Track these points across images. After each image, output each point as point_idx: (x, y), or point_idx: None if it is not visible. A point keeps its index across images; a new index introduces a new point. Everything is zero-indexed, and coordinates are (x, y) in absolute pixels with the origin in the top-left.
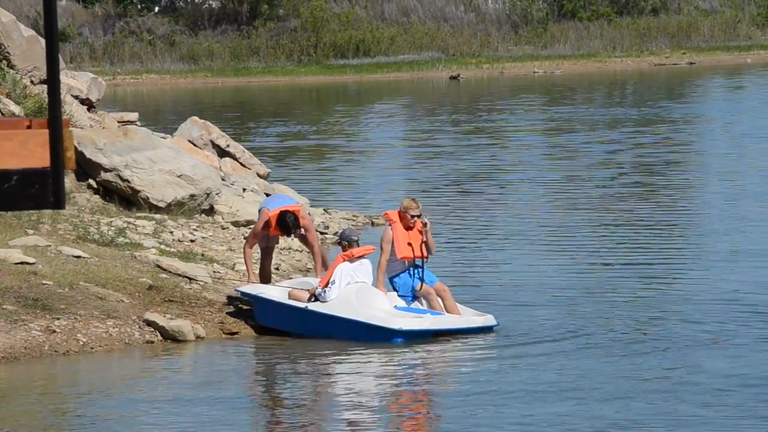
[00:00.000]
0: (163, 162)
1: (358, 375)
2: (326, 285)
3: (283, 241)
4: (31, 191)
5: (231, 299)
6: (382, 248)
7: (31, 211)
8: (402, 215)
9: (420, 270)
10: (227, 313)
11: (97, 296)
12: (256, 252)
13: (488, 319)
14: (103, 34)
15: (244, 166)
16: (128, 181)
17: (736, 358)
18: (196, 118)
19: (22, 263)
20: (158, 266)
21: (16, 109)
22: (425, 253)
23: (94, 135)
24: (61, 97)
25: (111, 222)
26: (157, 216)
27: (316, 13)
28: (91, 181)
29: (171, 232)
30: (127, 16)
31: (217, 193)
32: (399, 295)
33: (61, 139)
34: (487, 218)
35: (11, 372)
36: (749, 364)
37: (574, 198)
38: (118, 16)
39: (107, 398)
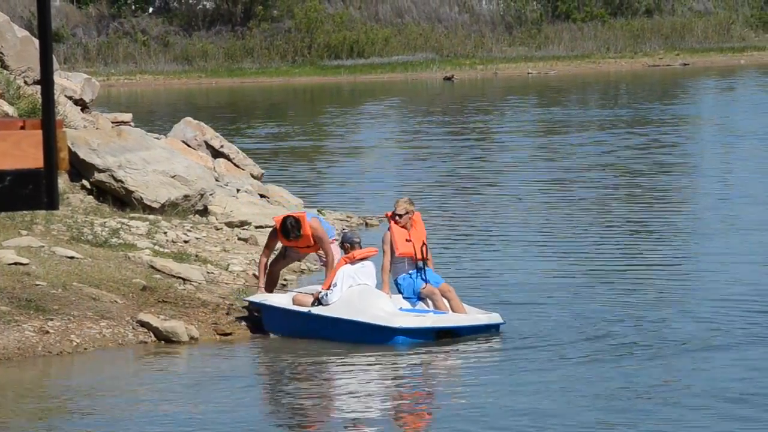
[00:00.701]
0: (157, 163)
1: (355, 377)
2: (329, 288)
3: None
4: (24, 192)
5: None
6: (383, 250)
7: (24, 211)
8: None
9: (423, 271)
10: (221, 314)
11: (91, 297)
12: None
13: (493, 317)
14: (97, 34)
15: (238, 166)
16: (122, 182)
17: (739, 361)
18: (189, 118)
19: (15, 264)
20: (152, 267)
21: (9, 109)
22: (426, 254)
23: (88, 136)
24: (55, 97)
25: (105, 223)
26: (151, 217)
27: (310, 14)
28: (84, 181)
29: (165, 233)
30: (121, 16)
31: (211, 194)
32: (404, 297)
33: (55, 140)
34: (479, 218)
35: (4, 372)
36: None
37: (568, 199)
38: (112, 16)
39: (98, 398)
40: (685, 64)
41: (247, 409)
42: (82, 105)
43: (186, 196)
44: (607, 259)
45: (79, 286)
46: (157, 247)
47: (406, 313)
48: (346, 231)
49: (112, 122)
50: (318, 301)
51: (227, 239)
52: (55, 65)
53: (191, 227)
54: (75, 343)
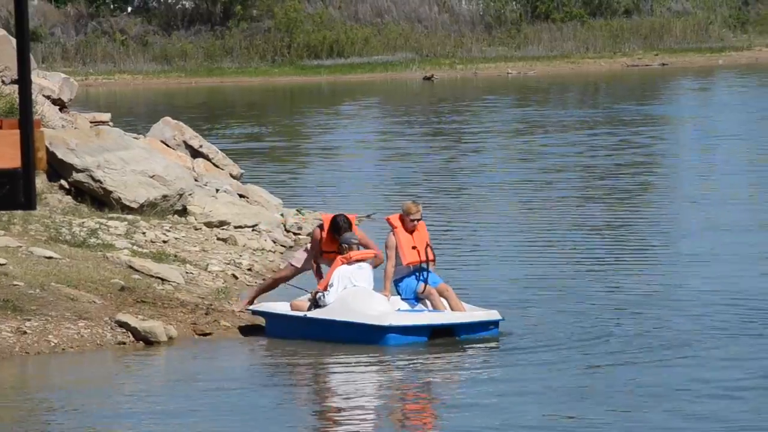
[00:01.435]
0: (136, 162)
1: (338, 378)
2: (325, 288)
3: (256, 242)
4: (1, 192)
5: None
6: (386, 255)
7: (1, 211)
8: (403, 219)
9: (425, 273)
10: (200, 314)
11: (69, 297)
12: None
13: (491, 314)
14: (76, 34)
15: (217, 166)
16: (100, 182)
17: (732, 360)
18: (168, 118)
19: None
20: (130, 267)
21: None
22: (431, 256)
23: (66, 135)
24: (33, 97)
25: (83, 223)
26: (130, 217)
27: (290, 13)
28: (62, 181)
29: (143, 233)
30: (100, 16)
31: (190, 194)
32: (402, 299)
33: (33, 140)
34: (457, 219)
35: None
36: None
37: (547, 199)
38: (90, 16)
39: (75, 399)
40: (663, 64)
41: (226, 410)
42: (61, 105)
43: (165, 196)
44: (590, 259)
45: (57, 286)
46: (135, 248)
47: (399, 312)
48: (345, 232)
49: (91, 122)
50: (315, 301)
51: (206, 239)
52: (33, 65)
53: (170, 227)
54: (53, 344)
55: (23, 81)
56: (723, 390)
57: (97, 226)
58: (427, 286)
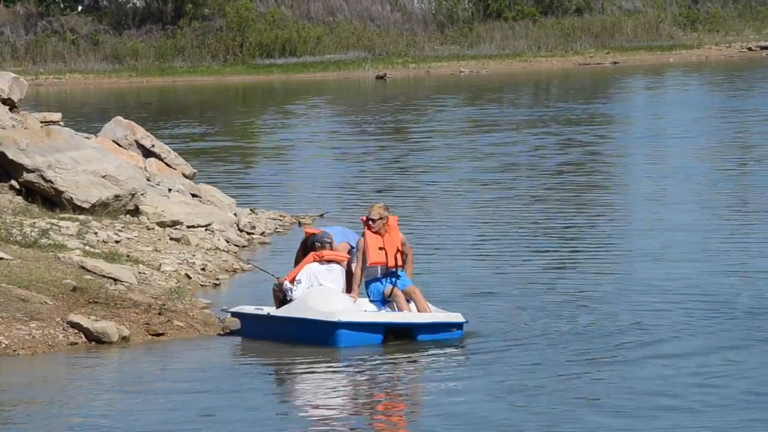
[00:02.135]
0: (87, 162)
1: (291, 380)
2: (292, 282)
3: (209, 241)
4: None
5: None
6: (356, 257)
7: None
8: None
9: (394, 277)
10: (153, 314)
11: (20, 298)
12: None
13: (452, 316)
14: (25, 33)
15: (169, 166)
16: (51, 182)
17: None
18: (120, 118)
19: None
20: (82, 267)
21: None
22: (400, 261)
23: (16, 135)
24: None
25: (34, 223)
26: (81, 217)
27: (242, 12)
28: (13, 182)
29: (95, 233)
30: (50, 15)
31: (142, 194)
32: (370, 301)
33: None
34: (410, 217)
35: None
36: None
37: (496, 198)
38: (40, 15)
39: (25, 400)
40: (615, 63)
41: (178, 411)
42: (10, 104)
43: (117, 196)
44: (544, 257)
45: (7, 287)
46: (87, 248)
47: (355, 310)
48: (319, 231)
49: (41, 122)
50: (283, 294)
51: (159, 239)
52: None
53: (122, 227)
54: (3, 345)
55: None
56: (687, 385)
57: (49, 226)
58: (394, 288)
